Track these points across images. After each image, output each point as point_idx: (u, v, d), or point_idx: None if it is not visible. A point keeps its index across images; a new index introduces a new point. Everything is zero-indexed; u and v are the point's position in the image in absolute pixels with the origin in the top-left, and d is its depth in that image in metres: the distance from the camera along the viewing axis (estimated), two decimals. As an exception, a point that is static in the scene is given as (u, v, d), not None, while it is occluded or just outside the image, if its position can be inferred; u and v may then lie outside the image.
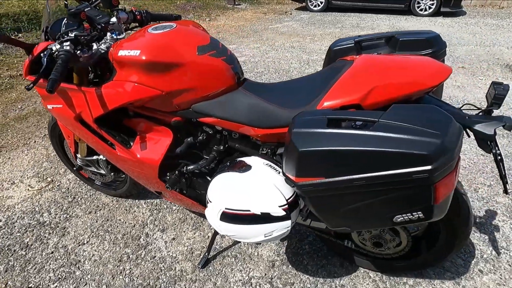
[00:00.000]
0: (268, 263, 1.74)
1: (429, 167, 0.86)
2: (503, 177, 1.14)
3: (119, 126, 1.55)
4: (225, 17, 8.00)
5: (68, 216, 2.04)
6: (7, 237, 1.89)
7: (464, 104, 1.32)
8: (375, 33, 1.53)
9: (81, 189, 2.27)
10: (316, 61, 4.78)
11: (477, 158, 2.41)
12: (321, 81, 1.28)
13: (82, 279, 1.64)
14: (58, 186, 2.30)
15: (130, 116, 1.54)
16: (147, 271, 1.69)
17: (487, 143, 1.16)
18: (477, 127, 1.16)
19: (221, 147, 1.50)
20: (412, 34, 1.43)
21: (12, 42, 1.41)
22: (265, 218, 1.16)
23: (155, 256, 1.77)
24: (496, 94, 1.17)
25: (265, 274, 1.68)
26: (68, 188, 2.28)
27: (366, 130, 0.92)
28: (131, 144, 1.54)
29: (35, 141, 2.89)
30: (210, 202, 1.26)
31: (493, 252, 1.71)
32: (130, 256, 1.77)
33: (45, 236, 1.89)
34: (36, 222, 1.99)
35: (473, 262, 1.67)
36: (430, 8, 7.63)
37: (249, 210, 1.15)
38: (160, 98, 1.35)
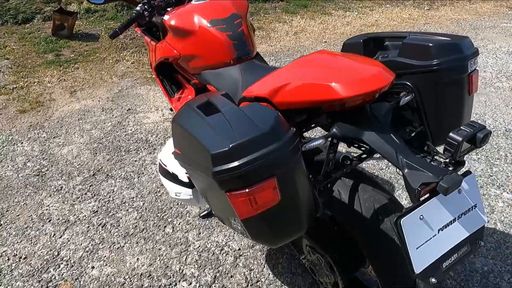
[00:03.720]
0: (250, 243, 1.79)
1: (211, 168, 0.79)
2: (407, 256, 0.81)
3: (172, 78, 1.92)
4: (452, 7, 6.87)
5: (163, 142, 2.67)
6: (125, 141, 2.70)
7: (428, 145, 0.93)
8: (393, 32, 1.22)
9: (187, 128, 2.86)
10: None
11: None
12: None
13: (134, 185, 2.22)
14: (176, 121, 2.99)
15: (177, 71, 1.87)
16: (170, 200, 2.08)
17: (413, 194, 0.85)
18: (406, 172, 0.85)
19: None
20: (424, 36, 1.07)
21: None
22: (175, 178, 1.28)
23: (182, 193, 2.14)
24: (449, 138, 0.82)
25: (239, 249, 1.76)
26: (180, 124, 2.92)
27: (203, 116, 0.90)
28: (175, 95, 1.89)
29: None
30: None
31: None
32: (170, 185, 2.21)
33: (140, 149, 2.59)
34: (144, 139, 2.73)
35: None
36: None
37: (166, 166, 1.31)
38: (180, 59, 1.61)
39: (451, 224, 0.86)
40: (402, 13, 6.35)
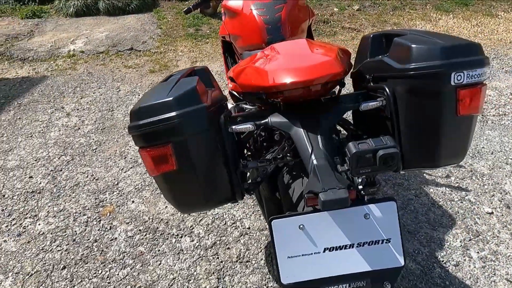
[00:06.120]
0: (261, 226, 1.83)
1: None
2: (275, 262, 0.74)
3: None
4: None
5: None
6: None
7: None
8: (403, 29, 1.03)
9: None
10: None
11: None
12: None
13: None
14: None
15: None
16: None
17: None
18: (310, 177, 0.79)
19: None
20: (418, 36, 0.87)
21: None
22: None
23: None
24: (346, 148, 0.71)
25: (248, 228, 1.83)
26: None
27: (158, 82, 1.00)
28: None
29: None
30: None
31: None
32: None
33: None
34: (227, 112, 2.97)
35: None
36: None
37: None
38: (230, 38, 1.73)
39: (346, 249, 0.74)
40: None
